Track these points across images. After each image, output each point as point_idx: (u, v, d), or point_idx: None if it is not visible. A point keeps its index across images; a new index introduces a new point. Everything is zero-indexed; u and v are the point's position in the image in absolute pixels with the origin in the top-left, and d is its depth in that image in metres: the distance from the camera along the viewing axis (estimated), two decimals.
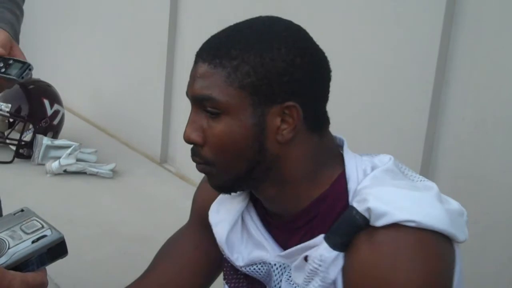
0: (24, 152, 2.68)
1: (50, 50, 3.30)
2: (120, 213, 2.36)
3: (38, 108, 2.70)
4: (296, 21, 1.07)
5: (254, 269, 1.11)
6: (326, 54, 1.06)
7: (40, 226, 0.96)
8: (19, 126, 2.72)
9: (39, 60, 3.20)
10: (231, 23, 1.08)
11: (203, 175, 1.11)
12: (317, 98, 1.05)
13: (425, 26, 1.83)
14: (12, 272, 0.92)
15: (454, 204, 1.04)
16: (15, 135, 2.71)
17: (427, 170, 1.86)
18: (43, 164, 2.61)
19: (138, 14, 2.83)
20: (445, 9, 1.77)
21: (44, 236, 0.95)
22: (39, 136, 2.65)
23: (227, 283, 1.18)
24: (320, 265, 1.00)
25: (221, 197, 1.16)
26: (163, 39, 2.67)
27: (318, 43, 1.06)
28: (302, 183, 1.05)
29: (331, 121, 1.08)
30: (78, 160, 2.61)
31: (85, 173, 2.60)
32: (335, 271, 1.00)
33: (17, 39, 1.39)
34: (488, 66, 1.73)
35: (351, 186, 1.03)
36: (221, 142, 1.02)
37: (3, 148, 2.71)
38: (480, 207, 1.76)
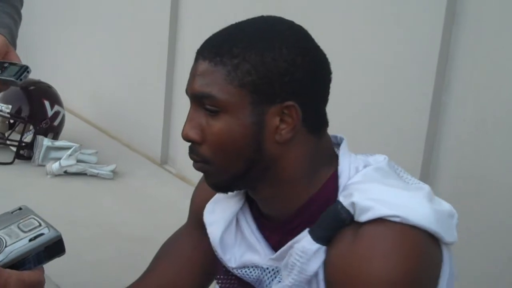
0: (25, 153, 2.68)
1: (50, 51, 3.30)
2: (121, 214, 2.35)
3: (38, 109, 2.70)
4: (296, 21, 1.07)
5: (246, 272, 1.10)
6: (326, 54, 1.06)
7: (38, 224, 0.96)
8: (19, 127, 2.72)
9: (39, 61, 3.20)
10: (232, 23, 1.08)
11: None
12: (317, 99, 1.05)
13: (425, 26, 1.83)
14: (8, 270, 0.92)
15: (445, 206, 1.03)
16: (15, 136, 2.71)
17: (427, 170, 1.86)
18: (44, 165, 2.60)
19: (139, 14, 2.83)
20: (446, 9, 1.77)
21: (42, 234, 0.95)
22: (39, 137, 2.65)
23: (218, 283, 1.17)
24: (301, 257, 1.00)
25: (217, 197, 1.15)
26: (164, 40, 2.67)
27: (318, 43, 1.06)
28: (299, 184, 1.05)
29: (331, 120, 1.08)
30: (78, 161, 2.61)
31: (85, 174, 2.60)
32: (316, 264, 1.00)
33: (14, 44, 1.39)
34: (489, 67, 1.73)
35: (342, 182, 1.03)
36: (219, 140, 1.02)
37: (3, 149, 2.71)
38: (481, 207, 1.76)
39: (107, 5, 3.01)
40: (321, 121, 1.07)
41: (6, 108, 2.66)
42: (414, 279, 0.94)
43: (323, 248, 1.00)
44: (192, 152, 1.05)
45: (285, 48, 1.01)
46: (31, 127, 2.70)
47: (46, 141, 2.64)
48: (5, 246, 0.93)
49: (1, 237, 0.94)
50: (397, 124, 1.92)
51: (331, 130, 1.09)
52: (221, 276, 1.16)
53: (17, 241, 0.94)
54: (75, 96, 3.14)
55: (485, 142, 1.74)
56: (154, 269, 1.27)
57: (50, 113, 2.73)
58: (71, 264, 2.02)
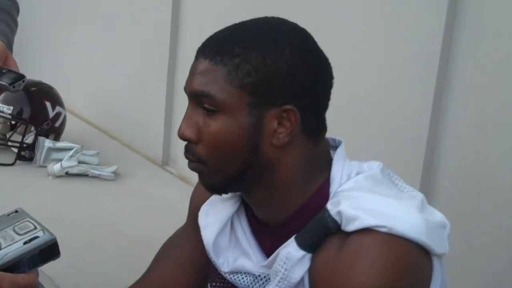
0: (26, 154, 2.68)
1: (50, 51, 3.30)
2: (122, 214, 2.36)
3: (40, 110, 2.71)
4: (296, 21, 1.07)
5: (237, 277, 1.09)
6: (326, 54, 1.06)
7: (33, 227, 0.96)
8: (21, 128, 2.72)
9: (40, 62, 3.21)
10: (234, 23, 1.07)
11: None
12: (317, 104, 1.04)
13: (426, 27, 1.83)
14: (2, 273, 0.92)
15: (437, 216, 1.01)
16: (17, 137, 2.71)
17: (429, 170, 1.86)
18: (45, 166, 2.61)
19: (140, 14, 2.83)
20: (447, 10, 1.77)
21: (37, 237, 0.95)
22: (41, 139, 2.65)
23: (210, 285, 1.16)
24: (284, 263, 0.99)
25: (212, 199, 1.14)
26: (165, 40, 2.67)
27: (318, 43, 1.05)
28: (293, 188, 1.03)
29: (332, 121, 1.07)
30: (80, 162, 2.61)
31: (87, 175, 2.60)
32: (300, 272, 0.99)
33: (10, 50, 1.40)
34: (490, 67, 1.73)
35: (333, 188, 1.02)
36: (215, 141, 1.01)
37: (5, 150, 2.72)
38: (481, 207, 1.76)
39: (107, 5, 3.01)
40: (320, 127, 1.06)
41: (7, 109, 2.66)
42: None
43: (309, 255, 0.98)
44: (188, 151, 1.04)
45: (288, 50, 1.00)
46: (32, 128, 2.70)
47: (48, 142, 2.64)
48: (0, 249, 0.93)
49: None
50: (398, 124, 1.92)
51: (332, 131, 1.08)
52: (214, 279, 1.15)
53: (11, 244, 0.94)
54: (76, 97, 3.14)
55: (486, 143, 1.74)
56: (153, 270, 1.27)
57: (51, 114, 2.74)
58: (72, 265, 2.02)
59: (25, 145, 2.67)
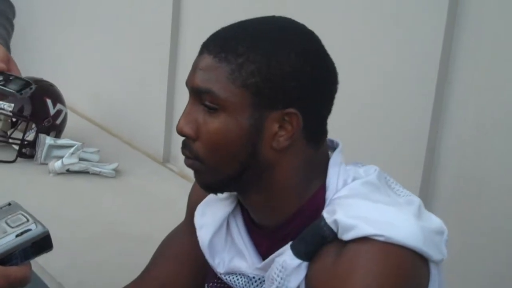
0: (27, 151, 2.69)
1: (51, 49, 3.30)
2: (123, 212, 2.36)
3: (40, 108, 2.71)
4: (298, 20, 1.06)
5: (233, 279, 1.08)
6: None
7: (25, 220, 0.96)
8: (21, 125, 2.72)
9: (41, 59, 3.21)
10: (234, 21, 1.06)
11: None
12: (320, 108, 1.02)
13: (427, 28, 1.83)
14: None
15: (435, 222, 1.00)
16: (18, 134, 2.71)
17: (429, 171, 1.85)
18: (46, 164, 2.61)
19: (140, 12, 2.84)
20: (448, 10, 1.76)
21: (29, 230, 0.95)
22: (41, 136, 2.65)
23: (207, 285, 1.16)
24: (280, 271, 0.98)
25: (208, 199, 1.13)
26: (166, 38, 2.67)
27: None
28: (290, 193, 1.02)
29: (332, 122, 1.06)
30: (80, 159, 2.61)
31: (87, 172, 2.60)
32: (297, 280, 0.98)
33: (9, 52, 1.41)
34: (491, 68, 1.73)
35: (328, 195, 1.00)
36: (214, 139, 0.99)
37: (6, 148, 2.72)
38: (482, 208, 1.76)
39: (108, 3, 3.01)
40: (321, 132, 1.04)
41: (8, 107, 2.66)
42: None
43: (305, 263, 0.97)
44: (185, 147, 1.03)
45: (293, 53, 0.99)
46: (33, 125, 2.70)
47: (49, 140, 2.64)
48: None
49: None
50: (398, 124, 1.92)
51: (331, 131, 1.07)
52: (212, 284, 1.14)
53: (4, 237, 0.94)
54: (77, 94, 3.14)
55: (486, 143, 1.74)
56: (152, 268, 1.27)
57: (52, 111, 2.74)
58: (73, 262, 2.02)
59: (26, 143, 2.68)
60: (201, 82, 1.00)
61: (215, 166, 1.02)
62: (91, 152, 2.67)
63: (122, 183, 2.58)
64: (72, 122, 2.91)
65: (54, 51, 3.29)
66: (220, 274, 1.10)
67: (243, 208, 1.10)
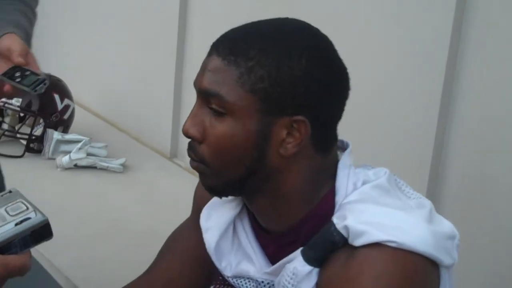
0: (35, 146, 2.69)
1: (59, 45, 3.31)
2: (130, 207, 2.36)
3: (48, 103, 2.71)
4: (300, 18, 1.04)
5: (241, 282, 1.07)
6: None
7: (25, 208, 0.95)
8: (29, 120, 2.73)
9: (48, 55, 3.21)
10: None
11: None
12: (330, 115, 1.00)
13: (435, 24, 1.82)
14: None
15: (447, 226, 0.98)
16: (25, 129, 2.72)
17: (437, 168, 1.85)
18: (54, 159, 2.61)
19: (148, 8, 2.84)
20: (456, 6, 1.76)
21: (28, 218, 0.94)
22: (49, 131, 2.66)
23: (214, 287, 1.15)
24: (291, 278, 0.96)
25: (213, 201, 1.11)
26: (173, 33, 2.67)
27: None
28: (298, 199, 1.00)
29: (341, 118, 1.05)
30: (88, 154, 2.62)
31: (95, 167, 2.61)
32: (308, 287, 0.96)
33: (29, 43, 1.39)
34: (499, 64, 1.72)
35: (338, 199, 0.98)
36: (220, 143, 0.97)
37: (13, 143, 2.73)
38: (490, 205, 1.76)
39: None
40: (330, 139, 1.02)
41: (16, 102, 2.67)
42: None
43: (316, 270, 0.96)
44: (191, 149, 1.01)
45: (304, 58, 0.96)
46: (41, 120, 2.71)
47: (56, 135, 2.65)
48: None
49: None
50: (405, 122, 1.92)
51: (338, 129, 1.05)
52: (217, 281, 1.14)
53: (3, 225, 0.93)
54: (84, 89, 3.15)
55: (494, 140, 1.73)
56: (159, 264, 1.26)
57: (60, 106, 2.74)
58: (81, 256, 2.03)
59: (33, 137, 2.68)
60: (209, 84, 0.98)
61: (220, 170, 1.00)
62: (99, 147, 2.67)
63: (130, 178, 2.58)
64: (80, 117, 2.91)
65: (62, 46, 3.30)
66: (228, 277, 1.09)
67: (249, 211, 1.08)
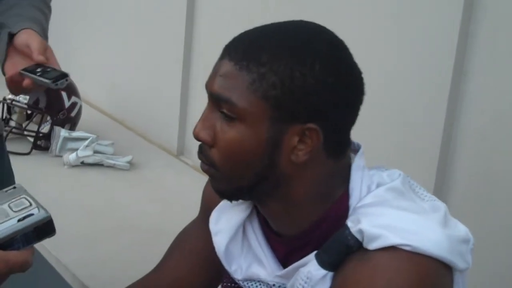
0: (42, 143, 2.70)
1: (66, 42, 3.31)
2: (137, 204, 2.36)
3: (55, 100, 2.72)
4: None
5: (252, 285, 1.06)
6: None
7: (28, 204, 0.95)
8: (37, 118, 2.73)
9: (56, 52, 3.21)
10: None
11: None
12: (343, 122, 0.99)
13: (443, 18, 1.81)
14: None
15: (461, 230, 0.98)
16: (33, 127, 2.72)
17: (444, 165, 1.84)
18: (61, 156, 2.62)
19: (155, 5, 2.83)
20: (464, 2, 1.75)
21: (31, 214, 0.94)
22: (56, 128, 2.66)
23: (221, 285, 1.14)
24: (305, 282, 0.95)
25: (223, 204, 1.10)
26: (180, 30, 2.67)
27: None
28: (309, 204, 0.99)
29: None
30: (95, 152, 2.62)
31: (102, 165, 2.61)
32: None
33: (46, 38, 1.39)
34: (507, 60, 1.71)
35: (352, 202, 0.97)
36: (230, 149, 0.96)
37: (21, 140, 2.73)
38: (498, 204, 1.75)
39: None
40: (343, 144, 1.01)
41: (23, 99, 2.67)
42: None
43: (330, 274, 0.95)
44: (201, 153, 1.00)
45: (318, 65, 0.94)
46: (48, 118, 2.71)
47: (63, 132, 2.66)
48: None
49: None
50: (412, 118, 1.91)
51: None
52: (227, 284, 1.13)
53: (5, 221, 0.92)
54: (91, 87, 3.15)
55: (504, 135, 1.72)
56: (167, 262, 1.26)
57: (67, 104, 2.75)
58: (88, 254, 2.03)
59: (41, 135, 2.69)
60: (220, 89, 0.97)
61: (231, 175, 0.99)
62: (106, 145, 2.68)
63: (136, 176, 2.58)
64: (87, 115, 2.92)
65: (69, 44, 3.30)
66: (238, 280, 1.08)
67: (259, 213, 1.07)
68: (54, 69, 1.30)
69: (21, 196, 0.96)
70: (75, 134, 2.69)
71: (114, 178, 2.55)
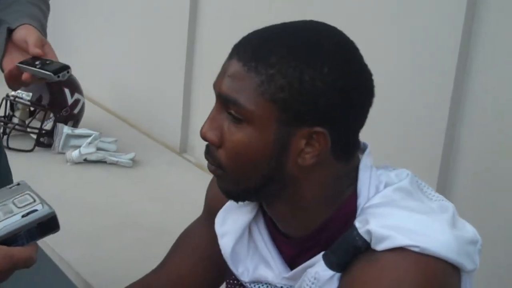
0: (45, 140, 2.70)
1: (69, 39, 3.31)
2: (139, 202, 2.36)
3: (58, 97, 2.72)
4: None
5: (259, 287, 1.06)
6: None
7: (32, 200, 0.95)
8: (39, 115, 2.73)
9: (58, 49, 3.20)
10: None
11: None
12: (351, 125, 0.98)
13: (446, 15, 1.81)
14: None
15: (469, 231, 0.97)
16: (36, 123, 2.72)
17: (447, 164, 1.84)
18: (64, 153, 2.62)
19: (158, 3, 2.83)
20: (467, 0, 1.74)
21: (35, 210, 0.94)
22: (59, 125, 2.67)
23: (227, 285, 1.14)
24: (313, 283, 0.95)
25: (228, 205, 1.10)
26: (183, 28, 2.67)
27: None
28: (317, 205, 0.99)
29: None
30: (98, 149, 2.62)
31: (105, 162, 2.61)
32: None
33: (44, 35, 1.39)
34: (510, 59, 1.70)
35: (360, 203, 0.97)
36: (237, 150, 0.96)
37: (24, 137, 2.73)
38: (501, 203, 1.75)
39: None
40: (351, 148, 1.00)
41: (26, 96, 2.67)
42: None
43: (337, 275, 0.95)
44: (208, 153, 1.00)
45: (327, 68, 0.93)
46: (51, 114, 2.71)
47: (66, 129, 2.66)
48: None
49: None
50: (415, 117, 1.91)
51: None
52: (232, 281, 1.13)
53: (9, 217, 0.93)
54: (94, 84, 3.15)
55: (506, 136, 1.72)
56: (171, 261, 1.26)
57: (70, 101, 2.75)
58: (91, 251, 2.03)
59: (44, 132, 2.69)
60: (228, 90, 0.96)
61: (237, 176, 0.99)
62: (109, 142, 2.68)
63: (139, 173, 2.59)
64: (90, 112, 2.92)
65: (72, 40, 3.30)
66: (245, 283, 1.08)
67: (265, 214, 1.07)
68: (54, 61, 1.29)
69: (25, 193, 0.97)
70: (78, 131, 2.69)
71: (117, 175, 2.55)
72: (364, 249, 0.93)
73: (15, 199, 0.95)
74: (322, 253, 0.97)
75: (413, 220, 0.93)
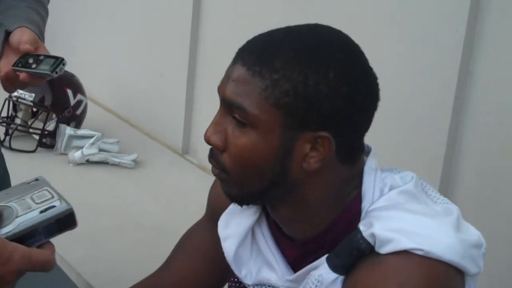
0: (47, 141, 2.70)
1: (71, 40, 3.32)
2: (141, 203, 2.37)
3: (61, 98, 2.72)
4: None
5: None
6: None
7: (50, 196, 0.94)
8: (42, 115, 2.73)
9: (61, 50, 3.21)
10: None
11: None
12: (356, 129, 0.97)
13: (450, 15, 1.81)
14: (14, 244, 0.87)
15: (473, 235, 0.97)
16: (38, 124, 2.72)
17: (449, 165, 1.84)
18: (66, 154, 2.62)
19: (161, 4, 2.83)
20: (471, 1, 1.74)
21: (53, 206, 0.93)
22: (62, 126, 2.67)
23: (230, 286, 1.14)
24: (316, 286, 0.95)
25: (231, 208, 1.09)
26: (186, 29, 2.67)
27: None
28: (322, 208, 0.99)
29: None
30: (100, 150, 2.62)
31: (107, 163, 2.61)
32: None
33: (42, 39, 1.39)
34: None
35: (364, 206, 0.97)
36: (241, 154, 0.95)
37: (26, 137, 2.73)
38: (504, 203, 1.74)
39: None
40: (356, 152, 1.00)
41: (29, 97, 2.67)
42: None
43: (341, 277, 0.94)
44: (212, 157, 1.00)
45: (332, 72, 0.93)
46: (53, 115, 2.71)
47: (69, 130, 2.66)
48: (16, 217, 0.90)
49: (13, 207, 0.91)
50: (418, 118, 1.91)
51: None
52: (234, 282, 1.12)
53: (28, 212, 0.91)
54: (97, 85, 3.15)
55: (509, 135, 1.72)
56: (173, 262, 1.26)
57: (72, 102, 2.75)
58: (92, 252, 2.03)
59: (46, 132, 2.69)
60: (232, 95, 0.96)
61: (242, 180, 0.98)
62: (111, 143, 2.68)
63: (141, 174, 2.59)
64: (92, 113, 2.92)
65: (74, 41, 3.30)
66: (249, 285, 1.08)
67: (268, 216, 1.07)
68: (48, 56, 1.28)
69: (43, 188, 0.96)
70: (80, 132, 2.69)
71: (119, 176, 2.55)
72: (368, 252, 0.93)
73: (33, 194, 0.95)
74: (326, 255, 0.97)
75: (417, 223, 0.93)
